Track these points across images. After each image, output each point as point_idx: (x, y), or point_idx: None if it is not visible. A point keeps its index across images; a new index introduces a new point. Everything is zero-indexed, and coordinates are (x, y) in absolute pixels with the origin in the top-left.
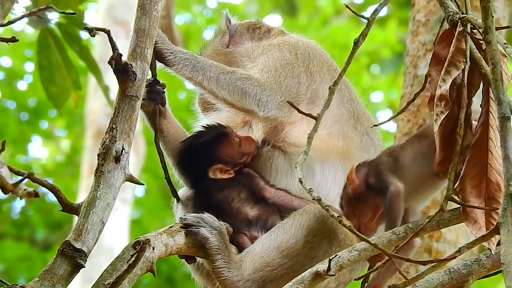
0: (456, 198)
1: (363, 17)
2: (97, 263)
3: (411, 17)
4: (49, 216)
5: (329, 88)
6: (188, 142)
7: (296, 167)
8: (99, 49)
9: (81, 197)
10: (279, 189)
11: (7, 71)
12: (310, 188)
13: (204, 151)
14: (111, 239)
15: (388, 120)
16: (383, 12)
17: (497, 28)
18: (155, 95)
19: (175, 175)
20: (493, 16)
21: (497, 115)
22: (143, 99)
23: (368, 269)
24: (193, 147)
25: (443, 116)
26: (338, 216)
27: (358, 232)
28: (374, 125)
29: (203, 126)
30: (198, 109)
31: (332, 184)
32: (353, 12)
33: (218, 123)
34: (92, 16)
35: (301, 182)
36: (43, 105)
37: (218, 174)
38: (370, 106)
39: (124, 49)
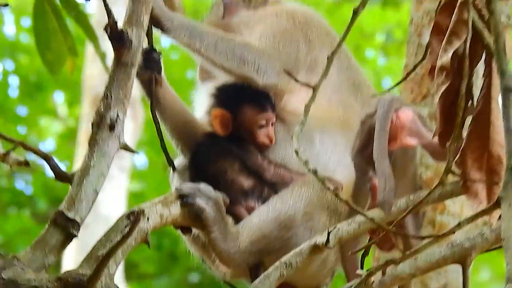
0: (457, 171)
1: None
2: (93, 232)
3: None
4: (51, 190)
5: (328, 57)
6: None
7: (292, 137)
8: (97, 15)
9: (78, 165)
10: (278, 166)
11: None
12: (306, 160)
13: (236, 91)
14: (108, 207)
15: (388, 90)
16: None
17: None
18: (151, 63)
19: (173, 144)
20: None
21: (500, 87)
22: (139, 67)
23: (368, 242)
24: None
25: (443, 87)
26: (334, 189)
27: (353, 205)
28: (374, 95)
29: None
30: (198, 79)
31: (331, 154)
32: None
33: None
34: None
35: (297, 153)
36: (44, 79)
37: (214, 120)
38: (375, 76)
39: (123, 16)
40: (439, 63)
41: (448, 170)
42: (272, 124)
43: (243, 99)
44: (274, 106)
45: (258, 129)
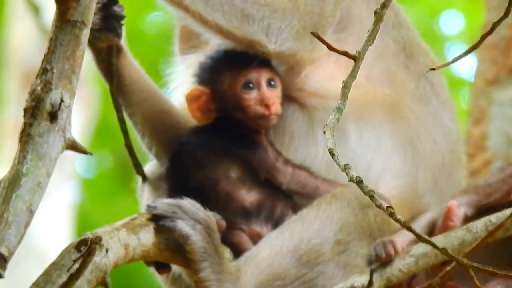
0: None
1: None
2: (23, 272)
3: None
4: None
5: (375, 12)
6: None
7: (324, 132)
8: None
9: (1, 172)
10: (297, 168)
11: None
12: (346, 164)
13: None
14: (44, 237)
15: (458, 59)
16: None
17: None
18: (112, 22)
19: (142, 142)
20: None
21: None
22: (95, 28)
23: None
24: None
25: None
26: (388, 207)
27: (415, 230)
28: (432, 69)
29: None
30: (177, 51)
31: (374, 154)
32: None
33: None
34: None
35: (332, 155)
36: None
37: (189, 105)
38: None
39: None
40: None
41: None
42: (271, 84)
43: (222, 66)
44: (270, 63)
45: (244, 94)
